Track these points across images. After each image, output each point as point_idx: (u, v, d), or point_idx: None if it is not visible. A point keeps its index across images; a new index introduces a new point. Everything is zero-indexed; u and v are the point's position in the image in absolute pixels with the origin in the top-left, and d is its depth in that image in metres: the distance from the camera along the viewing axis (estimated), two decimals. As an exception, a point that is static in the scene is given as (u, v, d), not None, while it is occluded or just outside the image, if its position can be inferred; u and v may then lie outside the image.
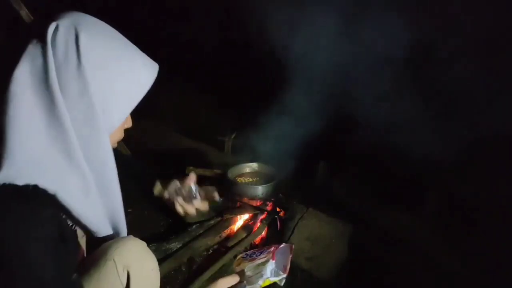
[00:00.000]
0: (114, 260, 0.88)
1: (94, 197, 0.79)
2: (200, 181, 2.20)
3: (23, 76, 0.69)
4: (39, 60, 0.70)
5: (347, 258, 1.76)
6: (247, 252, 1.16)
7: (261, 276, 1.01)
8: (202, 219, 2.02)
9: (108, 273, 0.88)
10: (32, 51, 0.70)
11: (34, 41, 0.71)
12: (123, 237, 0.91)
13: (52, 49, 0.70)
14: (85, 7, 0.83)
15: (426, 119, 2.32)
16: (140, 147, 2.81)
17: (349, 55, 2.19)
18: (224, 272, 1.75)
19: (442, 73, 2.12)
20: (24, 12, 3.34)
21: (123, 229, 0.90)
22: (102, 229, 0.84)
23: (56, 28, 0.72)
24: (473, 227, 1.89)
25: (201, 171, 2.30)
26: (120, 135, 0.90)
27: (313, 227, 1.86)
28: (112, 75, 0.77)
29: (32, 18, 3.44)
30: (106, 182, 0.81)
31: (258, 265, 1.04)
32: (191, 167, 2.30)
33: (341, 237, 1.82)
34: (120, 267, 0.88)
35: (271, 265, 1.03)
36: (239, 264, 1.11)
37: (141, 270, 0.94)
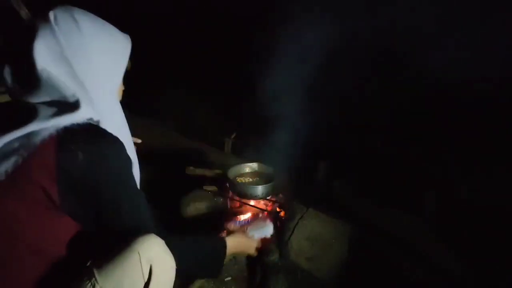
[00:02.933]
0: (139, 252, 0.91)
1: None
2: (200, 181, 2.21)
3: (43, 53, 0.89)
4: (51, 39, 0.91)
5: (347, 258, 1.76)
6: (237, 221, 1.80)
7: (265, 232, 1.66)
8: (202, 219, 2.02)
9: (132, 264, 0.90)
10: (42, 33, 0.91)
11: (42, 26, 0.92)
12: (146, 234, 0.96)
13: (59, 29, 0.93)
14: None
15: (425, 120, 2.32)
16: (140, 147, 2.81)
17: (349, 54, 2.19)
18: (224, 272, 1.75)
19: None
20: (24, 12, 3.35)
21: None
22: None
23: (55, 14, 0.94)
24: (473, 227, 1.89)
25: (201, 171, 2.30)
26: (120, 94, 1.13)
27: (313, 227, 1.86)
28: (104, 38, 1.00)
29: (32, 18, 3.45)
30: (124, 137, 0.99)
31: (261, 227, 1.67)
32: (191, 167, 2.30)
33: (341, 237, 1.82)
34: (144, 260, 0.91)
35: (270, 226, 1.72)
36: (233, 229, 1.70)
37: (163, 266, 0.97)
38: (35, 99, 0.91)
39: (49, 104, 0.90)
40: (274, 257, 1.76)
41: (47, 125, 0.85)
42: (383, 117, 2.50)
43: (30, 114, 0.87)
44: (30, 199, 0.84)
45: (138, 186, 1.09)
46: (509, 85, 2.08)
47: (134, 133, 1.43)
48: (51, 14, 0.94)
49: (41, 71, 0.89)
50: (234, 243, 1.44)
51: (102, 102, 0.98)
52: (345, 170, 2.43)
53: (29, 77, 0.90)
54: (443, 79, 2.29)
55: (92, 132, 0.91)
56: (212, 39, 3.69)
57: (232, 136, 2.93)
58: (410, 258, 1.75)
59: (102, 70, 1.00)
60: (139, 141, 1.60)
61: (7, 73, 0.93)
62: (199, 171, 2.29)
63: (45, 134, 0.84)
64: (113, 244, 0.93)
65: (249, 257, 1.84)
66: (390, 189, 2.18)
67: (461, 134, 2.23)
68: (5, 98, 0.98)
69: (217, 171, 2.31)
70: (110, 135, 0.93)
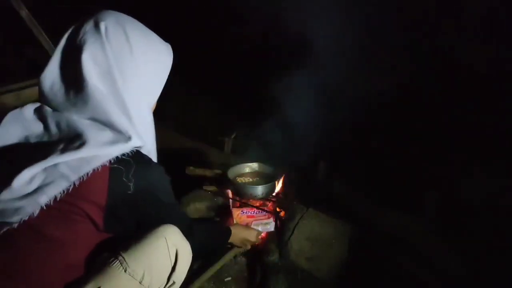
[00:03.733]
0: (165, 238, 0.97)
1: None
2: (200, 181, 2.21)
3: (90, 67, 0.88)
4: (100, 54, 0.89)
5: (347, 258, 1.76)
6: (243, 210, 1.92)
7: (267, 228, 1.87)
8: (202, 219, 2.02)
9: (160, 249, 0.96)
10: (92, 47, 0.89)
11: (92, 38, 0.89)
12: (166, 224, 1.02)
13: (109, 45, 0.90)
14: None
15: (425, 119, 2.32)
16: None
17: (350, 53, 2.19)
18: (224, 272, 1.76)
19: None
20: (24, 12, 3.35)
21: None
22: None
23: (106, 26, 0.91)
24: (473, 227, 1.89)
25: (201, 171, 2.30)
26: (154, 107, 1.12)
27: (313, 227, 1.86)
28: (153, 58, 0.99)
29: (32, 18, 3.45)
30: (154, 154, 1.07)
31: (265, 223, 1.87)
32: (191, 167, 2.30)
33: (341, 237, 1.82)
34: (171, 244, 0.97)
35: (272, 223, 1.88)
36: (238, 217, 1.89)
37: (185, 251, 1.03)
38: (76, 113, 0.90)
39: (96, 125, 0.89)
40: (274, 257, 1.76)
41: (100, 153, 0.85)
42: (383, 117, 2.50)
43: (79, 135, 0.85)
44: (77, 227, 0.85)
45: None
46: (509, 85, 2.08)
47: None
48: (103, 26, 0.91)
49: (89, 86, 0.87)
50: (237, 230, 1.63)
51: (141, 120, 0.98)
52: (345, 170, 2.43)
53: (76, 89, 0.89)
54: (443, 79, 2.29)
55: (141, 162, 0.92)
56: (212, 39, 3.68)
57: (232, 136, 2.92)
58: (410, 258, 1.75)
59: (146, 89, 0.99)
60: None
61: (49, 80, 0.91)
62: (199, 171, 2.29)
63: (97, 163, 0.84)
64: (135, 232, 0.98)
65: (249, 257, 1.85)
66: (390, 189, 2.17)
67: (461, 133, 2.23)
68: (6, 98, 0.96)
69: (217, 171, 2.30)
70: (153, 163, 0.99)
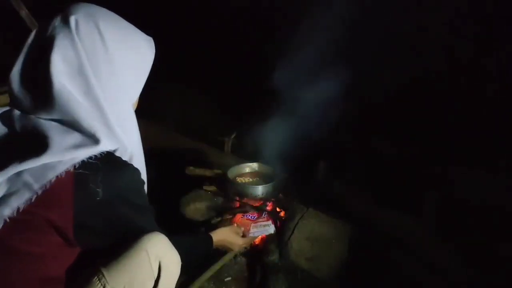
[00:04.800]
0: (147, 250, 0.90)
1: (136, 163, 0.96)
2: (200, 181, 2.20)
3: (59, 66, 0.81)
4: (71, 52, 0.82)
5: (347, 258, 1.76)
6: (243, 215, 1.93)
7: (266, 231, 1.82)
8: (202, 219, 2.02)
9: (141, 263, 0.90)
10: (61, 44, 0.82)
11: (61, 35, 0.83)
12: (152, 233, 0.96)
13: (80, 41, 0.83)
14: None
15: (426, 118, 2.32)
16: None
17: (349, 54, 2.19)
18: (224, 272, 1.76)
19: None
20: (24, 12, 3.35)
21: None
22: None
23: (77, 21, 0.84)
24: (473, 227, 1.89)
25: (201, 171, 2.30)
26: (136, 105, 1.05)
27: (313, 227, 1.86)
28: (130, 52, 0.92)
29: (32, 18, 3.45)
30: (135, 151, 0.96)
31: (264, 225, 1.84)
32: (191, 167, 2.30)
33: (341, 237, 1.82)
34: (153, 257, 0.91)
35: (272, 226, 1.85)
36: (239, 221, 1.88)
37: (170, 262, 0.98)
38: (44, 116, 0.84)
39: (63, 128, 0.82)
40: (274, 257, 1.76)
41: (64, 158, 0.78)
42: (383, 117, 2.50)
43: (42, 139, 0.79)
44: (44, 239, 0.79)
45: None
46: (509, 85, 2.08)
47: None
48: (73, 20, 0.84)
49: (55, 86, 0.81)
50: (221, 236, 1.54)
51: (120, 120, 0.90)
52: (345, 170, 2.43)
53: (42, 90, 0.82)
54: (443, 79, 2.29)
55: (110, 165, 0.85)
56: (212, 38, 3.68)
57: (232, 136, 2.92)
58: (410, 258, 1.75)
59: (125, 87, 0.92)
60: None
61: (16, 81, 0.85)
62: (199, 171, 2.29)
63: (61, 168, 0.77)
64: (117, 244, 0.92)
65: (249, 257, 1.85)
66: (390, 189, 2.17)
67: (461, 133, 2.23)
68: (5, 98, 0.93)
69: (217, 171, 2.31)
70: (126, 165, 0.89)
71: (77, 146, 0.80)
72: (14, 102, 0.87)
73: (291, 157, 2.18)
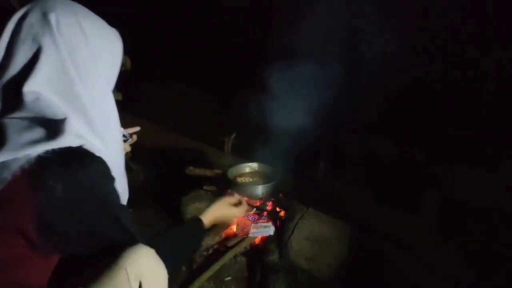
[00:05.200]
0: (126, 269, 0.85)
1: (113, 165, 0.90)
2: (200, 181, 2.20)
3: (39, 73, 0.78)
4: (52, 50, 0.79)
5: (347, 258, 1.76)
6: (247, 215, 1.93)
7: (266, 232, 1.85)
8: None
9: (120, 282, 0.85)
10: (41, 43, 0.79)
11: (40, 33, 0.79)
12: (134, 246, 0.90)
13: (62, 39, 0.80)
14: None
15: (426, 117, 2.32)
16: (140, 147, 2.81)
17: (348, 54, 2.19)
18: (224, 272, 1.76)
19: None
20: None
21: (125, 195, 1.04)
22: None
23: (57, 18, 0.80)
24: (473, 227, 1.89)
25: (201, 171, 2.30)
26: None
27: (313, 227, 1.86)
28: (107, 45, 0.90)
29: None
30: (113, 148, 0.92)
31: (264, 226, 1.88)
32: (191, 167, 2.30)
33: (341, 237, 1.82)
34: (132, 277, 0.86)
35: (272, 228, 1.88)
36: (240, 221, 1.88)
37: (153, 280, 0.92)
38: (14, 115, 0.78)
39: (26, 125, 0.77)
40: (274, 257, 1.76)
41: (18, 155, 0.72)
42: (383, 117, 2.50)
43: (1, 138, 0.74)
44: (7, 243, 0.73)
45: (126, 195, 1.03)
46: (509, 85, 2.08)
47: (134, 133, 1.43)
48: (53, 17, 0.80)
49: (27, 92, 0.77)
50: (212, 218, 1.41)
51: (101, 114, 0.87)
52: (345, 170, 2.43)
53: (12, 92, 0.78)
54: (443, 79, 2.29)
55: (72, 159, 0.78)
56: (212, 39, 3.69)
57: (232, 136, 2.92)
58: (410, 258, 1.75)
59: (103, 79, 0.89)
60: (137, 128, 1.51)
61: None
62: (199, 171, 2.29)
63: (16, 166, 0.72)
64: (98, 258, 0.87)
65: (249, 257, 1.85)
66: (390, 189, 2.17)
67: (461, 134, 2.23)
68: None
69: (217, 171, 2.31)
70: (92, 158, 0.81)
71: (35, 142, 0.74)
72: None
73: (291, 157, 2.18)
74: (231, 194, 1.62)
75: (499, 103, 2.15)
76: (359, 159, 2.49)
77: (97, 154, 0.83)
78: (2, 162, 0.72)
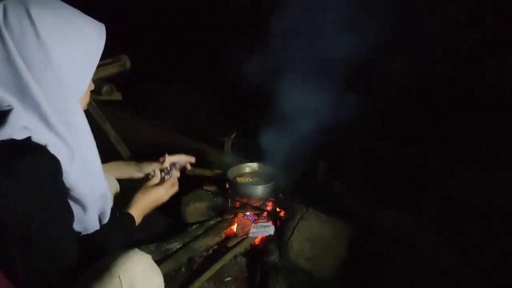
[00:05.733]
0: (119, 277, 0.83)
1: (78, 164, 0.87)
2: (200, 181, 2.20)
3: None
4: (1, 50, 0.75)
5: (347, 258, 1.76)
6: (244, 214, 1.97)
7: (266, 232, 1.88)
8: (202, 219, 2.02)
9: None
10: None
11: None
12: (128, 251, 0.88)
13: (8, 31, 0.76)
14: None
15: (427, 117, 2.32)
16: (140, 147, 2.81)
17: (348, 54, 2.19)
18: (224, 272, 1.76)
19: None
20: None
21: (107, 213, 1.02)
22: (90, 204, 0.92)
23: (5, 9, 0.76)
24: (473, 227, 1.89)
25: (201, 171, 2.30)
26: (87, 98, 0.96)
27: (313, 227, 1.86)
28: (70, 42, 0.82)
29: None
30: (84, 148, 0.89)
31: (264, 226, 1.90)
32: (191, 167, 2.29)
33: (341, 237, 1.82)
34: (125, 285, 0.84)
35: (272, 227, 1.90)
36: (240, 220, 1.93)
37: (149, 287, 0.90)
38: None
39: None
40: (274, 257, 1.76)
41: None
42: (383, 117, 2.50)
43: None
44: None
45: (104, 197, 0.98)
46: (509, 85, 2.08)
47: (134, 133, 1.43)
48: (0, 7, 0.76)
49: None
50: (140, 209, 1.21)
51: (60, 114, 0.82)
52: (345, 170, 2.43)
53: None
54: (443, 79, 2.29)
55: (11, 150, 0.75)
56: (212, 39, 3.69)
57: (232, 136, 2.92)
58: (410, 258, 1.75)
59: (65, 79, 0.82)
60: (193, 160, 1.50)
61: None
62: (199, 171, 2.29)
63: None
64: (91, 264, 0.86)
65: (249, 257, 1.84)
66: (390, 189, 2.17)
67: (461, 134, 2.24)
68: None
69: (217, 171, 2.31)
70: (34, 150, 0.77)
71: None
72: None
73: (291, 157, 2.18)
74: (159, 164, 1.44)
75: (499, 103, 2.15)
76: (359, 159, 2.49)
77: (50, 148, 0.79)
78: None
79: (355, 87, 2.29)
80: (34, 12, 0.78)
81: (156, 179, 1.31)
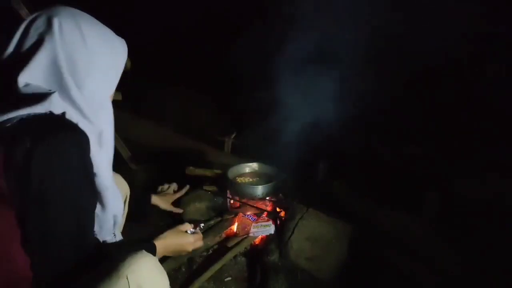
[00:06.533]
0: (127, 278, 0.86)
1: (103, 152, 0.99)
2: (200, 181, 2.20)
3: (37, 68, 0.88)
4: (51, 52, 0.89)
5: (347, 258, 1.76)
6: (244, 214, 1.97)
7: (267, 231, 1.88)
8: (202, 219, 2.02)
9: None
10: (44, 39, 0.89)
11: (43, 33, 0.90)
12: (136, 253, 0.90)
13: (61, 40, 0.89)
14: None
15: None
16: (140, 147, 2.81)
17: (348, 54, 2.19)
18: (224, 272, 1.76)
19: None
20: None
21: (119, 217, 1.11)
22: (110, 197, 1.03)
23: (60, 23, 0.90)
24: (473, 227, 1.89)
25: (201, 171, 2.30)
26: (111, 97, 1.09)
27: (313, 227, 1.86)
28: (108, 53, 0.99)
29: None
30: (109, 141, 1.01)
31: (264, 225, 1.90)
32: (191, 167, 2.30)
33: (341, 237, 1.82)
34: (133, 286, 0.86)
35: (272, 226, 1.90)
36: (240, 220, 1.94)
37: None
38: (7, 93, 0.89)
39: (18, 97, 0.87)
40: (274, 257, 1.76)
41: (5, 117, 0.83)
42: (382, 117, 2.50)
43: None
44: None
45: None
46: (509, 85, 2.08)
47: (134, 133, 1.43)
48: (56, 21, 0.90)
49: (20, 79, 0.86)
50: (164, 245, 1.24)
51: (91, 105, 0.95)
52: (345, 170, 2.43)
53: (10, 77, 0.88)
54: (443, 79, 2.29)
55: (48, 121, 0.86)
56: (212, 39, 3.69)
57: (232, 136, 2.92)
58: (410, 257, 1.75)
59: (102, 79, 0.98)
60: (180, 211, 1.75)
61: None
62: (199, 171, 2.29)
63: (3, 126, 0.83)
64: (99, 262, 0.89)
65: (249, 257, 1.85)
66: (390, 189, 2.18)
67: (461, 134, 2.24)
68: None
69: (217, 171, 2.31)
70: (70, 126, 0.89)
71: (20, 108, 0.84)
72: None
73: (291, 157, 2.18)
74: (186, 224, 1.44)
75: (499, 103, 2.15)
76: (359, 159, 2.49)
77: (80, 126, 0.90)
78: None
79: (355, 88, 2.29)
80: (84, 27, 0.94)
81: (187, 226, 1.35)
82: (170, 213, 1.80)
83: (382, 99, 2.38)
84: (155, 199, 1.62)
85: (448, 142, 2.28)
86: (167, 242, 1.23)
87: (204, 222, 1.68)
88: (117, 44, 1.04)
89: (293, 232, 1.82)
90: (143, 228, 2.04)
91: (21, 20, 0.93)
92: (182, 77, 3.78)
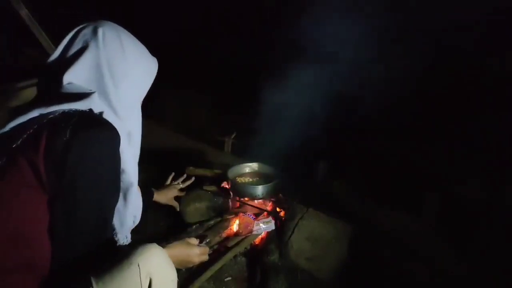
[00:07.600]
0: (138, 265, 0.89)
1: (131, 150, 1.10)
2: (200, 181, 2.20)
3: (80, 70, 0.99)
4: (94, 57, 1.01)
5: (347, 258, 1.76)
6: (244, 214, 1.98)
7: (269, 227, 1.90)
8: (202, 219, 2.02)
9: (131, 277, 0.89)
10: (89, 45, 1.01)
11: (88, 40, 1.02)
12: (147, 244, 0.95)
13: (104, 46, 1.02)
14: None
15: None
16: (140, 147, 2.81)
17: (347, 54, 2.19)
18: (224, 272, 1.76)
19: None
20: (24, 12, 3.35)
21: (138, 216, 1.23)
22: (132, 193, 1.10)
23: (104, 32, 1.03)
24: (473, 228, 1.89)
25: (201, 171, 2.30)
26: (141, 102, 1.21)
27: (313, 227, 1.86)
28: (142, 60, 1.12)
29: (32, 18, 3.45)
30: (137, 140, 1.15)
31: (266, 222, 1.90)
32: (191, 167, 2.30)
33: (341, 237, 1.82)
34: (144, 273, 0.90)
35: (273, 222, 1.92)
36: (241, 219, 1.97)
37: (163, 279, 0.95)
38: (53, 90, 0.99)
39: (62, 94, 0.97)
40: (274, 257, 1.76)
41: (49, 110, 0.92)
42: (382, 117, 2.50)
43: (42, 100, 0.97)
44: (18, 175, 0.86)
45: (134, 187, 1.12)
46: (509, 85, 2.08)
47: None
48: (101, 31, 1.03)
49: (65, 78, 0.98)
50: (172, 254, 1.19)
51: (124, 107, 1.05)
52: (345, 170, 2.43)
53: (56, 77, 0.99)
54: (442, 79, 2.29)
55: (87, 117, 0.94)
56: (212, 39, 3.69)
57: (232, 136, 2.92)
58: (410, 257, 1.75)
59: (135, 85, 1.09)
60: (177, 205, 1.80)
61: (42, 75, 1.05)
62: (199, 171, 2.29)
63: (44, 118, 0.91)
64: (111, 253, 0.93)
65: (249, 257, 1.85)
66: (390, 189, 2.18)
67: (461, 134, 2.23)
68: (6, 97, 0.97)
69: (217, 171, 2.31)
70: (106, 124, 0.96)
71: (63, 102, 0.94)
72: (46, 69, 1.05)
73: (291, 157, 2.18)
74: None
75: (499, 103, 2.15)
76: (359, 159, 2.49)
77: (123, 133, 0.98)
78: (38, 115, 0.92)
79: (355, 87, 2.29)
80: (123, 37, 1.07)
81: (195, 241, 1.36)
82: (168, 209, 1.81)
83: (383, 98, 2.38)
84: (156, 196, 1.72)
85: (448, 142, 2.28)
86: (175, 251, 1.24)
87: (208, 238, 1.71)
88: (150, 59, 1.18)
89: (293, 232, 1.83)
90: (143, 228, 2.04)
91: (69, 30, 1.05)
92: (182, 77, 3.78)
